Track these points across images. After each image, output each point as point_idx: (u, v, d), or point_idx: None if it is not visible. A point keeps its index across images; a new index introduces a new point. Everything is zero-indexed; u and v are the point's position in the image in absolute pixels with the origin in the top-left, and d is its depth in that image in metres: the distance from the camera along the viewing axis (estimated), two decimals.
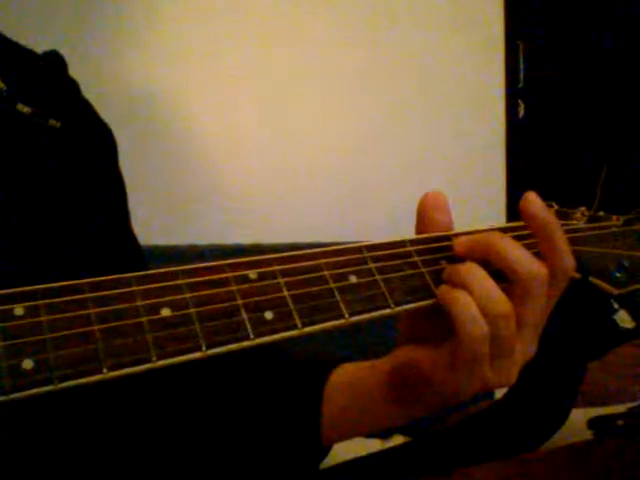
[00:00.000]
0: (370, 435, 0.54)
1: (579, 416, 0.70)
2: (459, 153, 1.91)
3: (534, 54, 1.99)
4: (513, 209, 2.10)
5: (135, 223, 0.64)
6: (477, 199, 1.85)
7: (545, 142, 2.03)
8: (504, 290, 0.42)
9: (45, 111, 0.53)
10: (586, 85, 2.04)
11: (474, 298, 0.41)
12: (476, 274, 0.42)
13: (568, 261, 0.43)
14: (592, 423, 0.69)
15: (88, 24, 1.69)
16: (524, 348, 0.44)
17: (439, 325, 0.43)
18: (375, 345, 0.57)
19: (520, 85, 1.98)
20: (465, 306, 0.40)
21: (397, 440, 0.71)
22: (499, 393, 0.64)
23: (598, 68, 2.02)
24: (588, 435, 0.68)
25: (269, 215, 1.79)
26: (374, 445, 0.67)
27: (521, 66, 1.97)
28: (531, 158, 2.02)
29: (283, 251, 0.41)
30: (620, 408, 0.74)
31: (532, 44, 1.99)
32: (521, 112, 1.99)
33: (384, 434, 0.78)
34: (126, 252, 0.61)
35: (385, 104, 1.89)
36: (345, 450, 0.59)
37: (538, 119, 2.01)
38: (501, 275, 0.42)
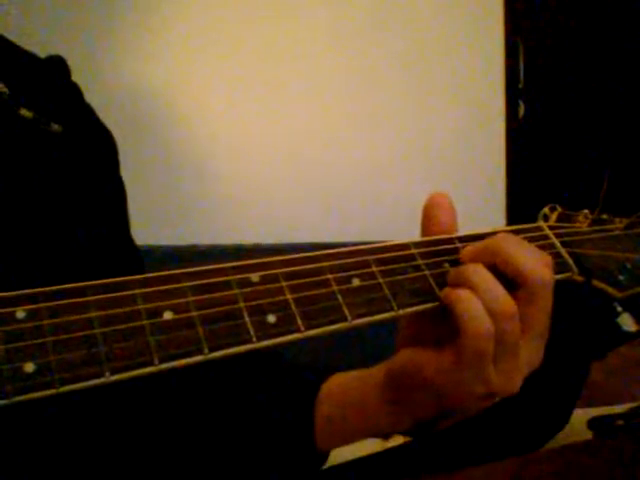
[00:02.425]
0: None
1: (579, 416, 0.70)
2: (459, 153, 1.91)
3: (534, 54, 1.99)
4: (513, 209, 2.10)
5: (135, 223, 0.64)
6: (477, 199, 1.85)
7: (545, 142, 2.03)
8: (512, 295, 0.42)
9: (47, 116, 0.53)
10: (586, 85, 2.04)
11: (478, 296, 0.41)
12: (480, 274, 0.42)
13: (533, 268, 0.42)
14: (592, 423, 0.69)
15: (90, 27, 1.69)
16: (529, 355, 0.43)
17: (442, 328, 0.43)
18: (378, 349, 0.57)
19: (520, 85, 1.98)
20: (470, 303, 0.41)
21: (397, 440, 0.71)
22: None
23: (598, 68, 2.02)
24: (588, 435, 0.68)
25: (269, 215, 1.79)
26: (374, 445, 0.67)
27: (521, 66, 1.97)
28: (531, 158, 2.02)
29: (283, 251, 0.40)
30: (620, 408, 0.74)
31: (532, 44, 1.99)
32: (521, 112, 1.99)
33: (384, 434, 0.77)
34: (125, 256, 0.61)
35: (385, 105, 1.89)
36: (345, 450, 0.58)
37: (538, 119, 2.02)
38: (508, 282, 0.42)
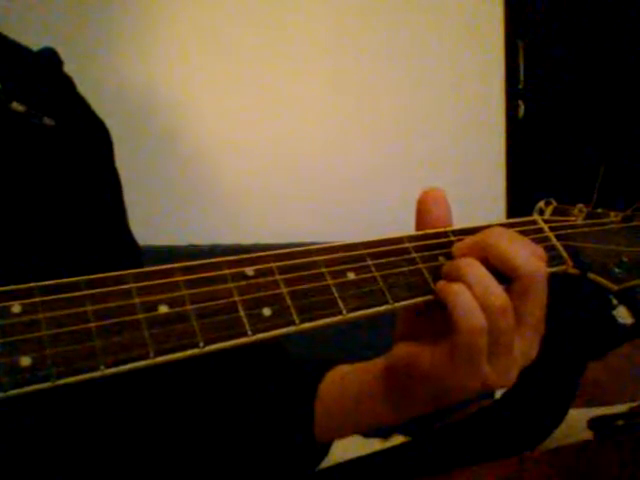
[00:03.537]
0: (370, 435, 0.53)
1: (579, 416, 0.70)
2: (459, 153, 1.91)
3: (534, 54, 1.99)
4: (513, 209, 2.09)
5: (134, 223, 0.64)
6: (477, 199, 1.85)
7: (545, 142, 2.03)
8: (505, 290, 0.42)
9: (40, 109, 0.53)
10: (586, 85, 2.04)
11: (472, 291, 0.41)
12: (473, 267, 0.42)
13: (526, 261, 0.42)
14: (592, 423, 0.68)
15: (88, 23, 1.69)
16: (524, 348, 0.43)
17: (437, 322, 0.43)
18: (375, 344, 0.57)
19: (520, 85, 1.98)
20: (462, 297, 0.41)
21: (397, 440, 0.71)
22: (499, 393, 0.64)
23: (598, 68, 2.02)
24: (588, 435, 0.68)
25: (269, 215, 1.79)
26: (374, 445, 0.67)
27: (521, 66, 1.97)
28: (531, 158, 2.02)
29: None
30: (620, 408, 0.73)
31: (532, 44, 1.99)
32: (521, 112, 1.99)
33: (384, 434, 0.77)
34: (123, 249, 0.61)
35: (385, 105, 1.89)
36: (345, 450, 0.59)
37: (538, 119, 2.01)
38: (501, 276, 0.43)
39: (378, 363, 0.48)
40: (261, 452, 0.52)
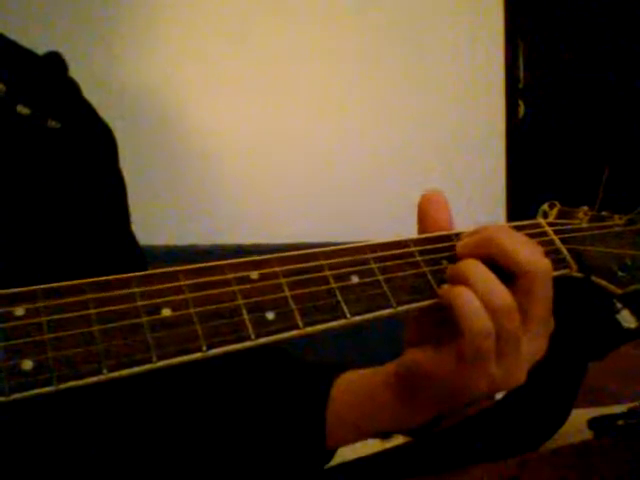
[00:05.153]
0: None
1: (579, 416, 0.69)
2: (459, 153, 1.92)
3: (534, 54, 1.99)
4: (513, 209, 2.10)
5: (135, 223, 0.64)
6: (477, 199, 1.85)
7: (545, 142, 2.03)
8: (510, 288, 0.42)
9: (45, 112, 0.53)
10: (586, 85, 2.04)
11: (476, 293, 0.41)
12: (476, 269, 0.42)
13: (530, 257, 0.42)
14: (592, 423, 0.68)
15: (89, 25, 1.69)
16: (532, 347, 0.43)
17: (444, 326, 0.43)
18: (381, 348, 0.57)
19: (520, 85, 1.98)
20: (467, 300, 0.40)
21: (397, 440, 0.70)
22: (499, 393, 0.64)
23: (598, 68, 2.03)
24: (588, 435, 0.68)
25: (269, 215, 1.79)
26: (374, 445, 0.66)
27: (521, 66, 1.97)
28: (531, 158, 2.02)
29: (283, 251, 0.40)
30: (620, 408, 0.73)
31: (532, 44, 1.99)
32: (521, 112, 1.99)
33: (384, 434, 0.77)
34: (126, 253, 0.60)
35: (384, 104, 1.89)
36: (345, 450, 0.58)
37: (538, 119, 2.02)
38: (505, 275, 0.42)
39: (387, 368, 0.48)
40: (270, 458, 0.52)
